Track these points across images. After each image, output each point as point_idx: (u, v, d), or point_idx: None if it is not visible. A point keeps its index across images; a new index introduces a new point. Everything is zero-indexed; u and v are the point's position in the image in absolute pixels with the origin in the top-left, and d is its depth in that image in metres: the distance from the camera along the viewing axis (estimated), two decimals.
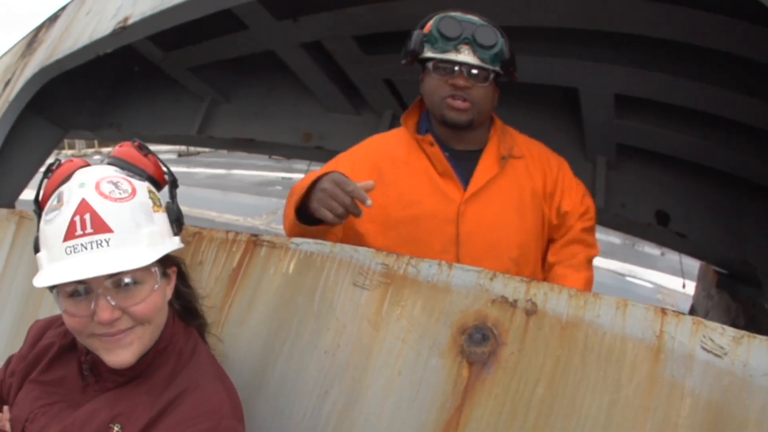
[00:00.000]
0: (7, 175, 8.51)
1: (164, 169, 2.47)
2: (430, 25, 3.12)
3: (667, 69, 4.81)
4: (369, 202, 2.68)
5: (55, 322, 2.56)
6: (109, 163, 2.32)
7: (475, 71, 3.06)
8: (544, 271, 3.38)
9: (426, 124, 3.36)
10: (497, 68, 3.09)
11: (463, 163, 3.23)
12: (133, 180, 2.17)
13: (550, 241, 3.39)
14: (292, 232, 3.06)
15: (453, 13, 3.09)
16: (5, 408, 2.41)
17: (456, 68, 3.06)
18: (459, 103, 3.08)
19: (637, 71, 4.92)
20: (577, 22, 4.75)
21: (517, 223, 3.21)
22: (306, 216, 2.93)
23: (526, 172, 3.29)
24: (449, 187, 3.18)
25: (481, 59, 3.03)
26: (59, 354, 2.41)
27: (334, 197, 2.71)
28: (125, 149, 2.41)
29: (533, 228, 3.26)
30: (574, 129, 6.08)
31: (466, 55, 3.02)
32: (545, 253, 3.42)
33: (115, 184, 2.07)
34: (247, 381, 2.81)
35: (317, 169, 3.26)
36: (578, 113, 5.76)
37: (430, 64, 3.15)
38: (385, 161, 3.27)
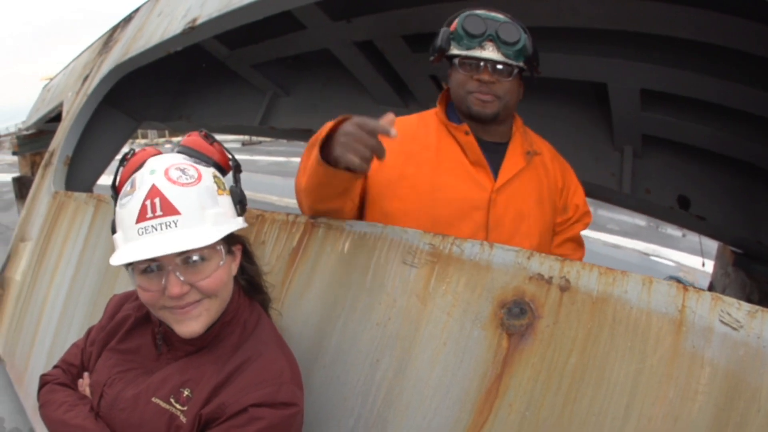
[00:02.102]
0: (85, 162, 8.59)
1: (228, 156, 2.51)
2: (456, 23, 3.10)
3: (688, 66, 4.80)
4: (394, 132, 2.44)
5: (131, 296, 2.62)
6: (178, 152, 2.38)
7: (499, 66, 3.02)
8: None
9: (453, 115, 3.32)
10: (521, 64, 3.05)
11: (490, 155, 3.19)
12: (199, 166, 2.22)
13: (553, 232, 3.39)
14: (310, 184, 2.86)
15: (478, 11, 3.05)
16: (85, 374, 2.49)
17: (481, 64, 3.03)
18: (484, 96, 3.05)
19: (661, 68, 4.90)
20: (604, 23, 4.74)
21: (538, 213, 3.20)
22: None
23: (544, 168, 3.29)
24: (481, 176, 3.15)
25: (505, 55, 2.99)
26: (135, 325, 2.47)
27: (359, 140, 2.48)
28: (193, 138, 2.47)
29: (549, 219, 3.26)
30: (603, 121, 6.06)
31: (490, 52, 2.99)
32: None
33: (183, 171, 2.13)
34: (305, 350, 2.86)
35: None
36: (607, 106, 5.76)
37: (456, 61, 3.12)
38: (413, 143, 3.21)
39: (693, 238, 9.62)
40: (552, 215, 3.28)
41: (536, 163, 3.27)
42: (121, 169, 2.37)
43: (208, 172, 2.23)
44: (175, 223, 2.00)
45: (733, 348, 1.96)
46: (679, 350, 2.04)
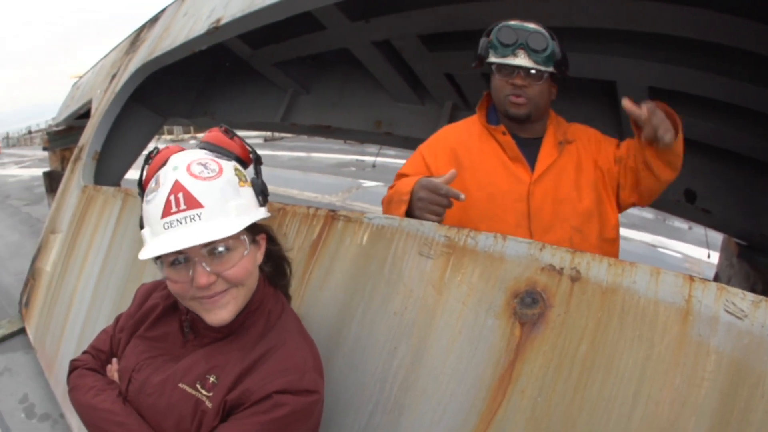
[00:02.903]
0: (114, 157, 8.64)
1: (248, 149, 2.52)
2: (492, 33, 3.25)
3: (694, 65, 4.80)
4: (462, 197, 2.79)
5: (159, 285, 2.64)
6: (200, 147, 2.39)
7: (532, 71, 3.18)
8: (610, 230, 3.39)
9: (494, 116, 3.48)
10: (550, 68, 3.21)
11: (528, 150, 3.33)
12: (220, 160, 2.22)
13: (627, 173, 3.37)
14: None
15: (511, 22, 3.22)
16: (114, 360, 2.51)
17: (514, 70, 3.21)
18: (517, 99, 3.22)
19: (668, 67, 4.91)
20: (614, 23, 4.76)
21: (576, 196, 3.27)
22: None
23: (578, 153, 3.37)
24: (519, 170, 3.29)
25: (535, 62, 3.16)
26: (163, 313, 2.48)
27: (434, 202, 2.88)
28: (214, 134, 2.49)
29: (592, 199, 3.31)
30: (613, 117, 6.05)
31: (522, 59, 3.16)
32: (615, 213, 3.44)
33: (204, 165, 2.13)
34: (325, 339, 2.88)
35: (401, 166, 3.49)
36: (616, 103, 5.75)
37: (493, 67, 3.29)
38: (460, 148, 3.39)
39: (699, 230, 9.63)
40: (595, 194, 3.33)
41: (571, 151, 3.38)
42: (146, 167, 2.38)
43: (229, 166, 2.23)
44: (199, 216, 2.01)
45: (738, 336, 1.96)
46: (686, 339, 2.04)
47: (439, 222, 2.86)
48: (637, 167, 3.25)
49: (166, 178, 2.08)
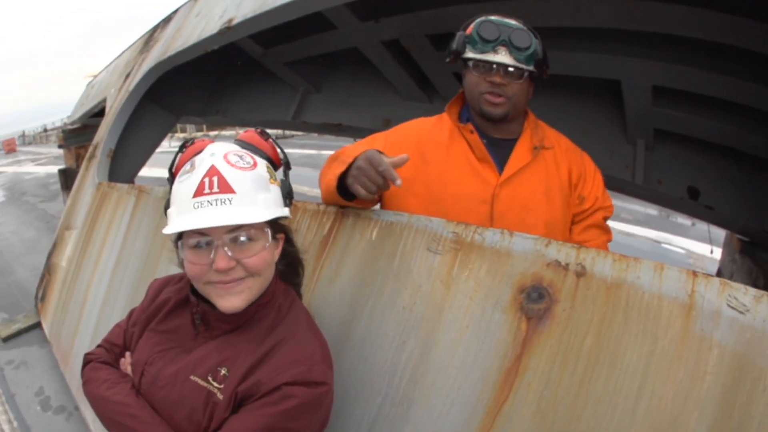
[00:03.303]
0: (127, 154, 8.68)
1: (280, 153, 2.56)
2: (471, 27, 3.13)
3: (697, 64, 4.80)
4: (398, 182, 2.67)
5: (171, 280, 2.66)
6: (235, 143, 2.41)
7: (510, 69, 3.06)
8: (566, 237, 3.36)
9: (467, 114, 3.37)
10: (531, 67, 3.08)
11: (499, 150, 3.23)
12: (255, 156, 2.27)
13: (573, 222, 3.38)
14: (327, 201, 3.19)
15: (492, 17, 3.10)
16: (127, 353, 2.53)
17: (493, 67, 3.07)
18: (495, 98, 3.10)
19: (671, 66, 4.91)
20: (618, 23, 4.75)
21: (545, 206, 3.19)
22: (342, 188, 2.99)
23: (555, 162, 3.28)
24: (486, 171, 3.18)
25: (516, 59, 3.03)
26: (175, 307, 2.50)
27: (367, 175, 2.73)
28: (250, 134, 2.55)
29: (559, 211, 3.24)
30: (617, 116, 6.06)
31: (502, 56, 3.03)
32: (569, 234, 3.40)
33: (240, 157, 2.18)
34: (335, 332, 2.90)
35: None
36: (621, 102, 5.75)
37: (470, 63, 3.16)
38: (428, 143, 3.28)
39: (702, 226, 9.60)
40: (563, 207, 3.26)
41: (546, 158, 3.28)
42: (179, 154, 2.42)
43: (263, 163, 2.28)
44: (230, 201, 2.05)
45: (740, 331, 1.97)
46: (689, 333, 2.05)
47: (370, 199, 2.84)
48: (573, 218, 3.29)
49: (203, 162, 2.13)
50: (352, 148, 3.07)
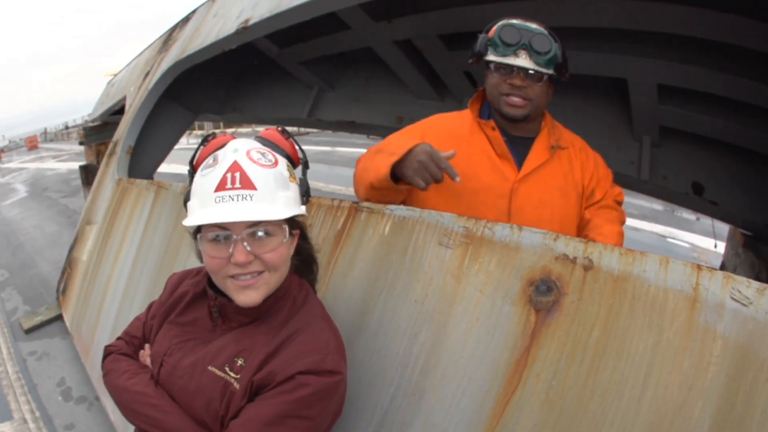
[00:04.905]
0: (147, 151, 8.72)
1: (299, 152, 2.56)
2: (493, 30, 3.16)
3: (702, 63, 4.79)
4: (458, 178, 2.75)
5: (189, 274, 2.68)
6: (255, 140, 2.42)
7: (531, 72, 3.08)
8: (579, 231, 3.38)
9: (488, 110, 3.39)
10: (550, 71, 3.10)
11: (518, 148, 3.27)
12: (276, 154, 2.29)
13: (585, 209, 3.38)
14: (375, 189, 3.13)
15: (513, 21, 3.12)
16: (146, 345, 2.56)
17: (514, 70, 3.10)
18: (516, 100, 3.13)
19: (677, 65, 4.90)
20: (625, 23, 4.75)
21: (560, 202, 3.24)
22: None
23: (569, 161, 3.32)
24: (505, 167, 3.22)
25: (537, 63, 3.05)
26: (193, 300, 2.52)
27: (429, 170, 2.79)
28: (271, 132, 2.54)
29: (573, 208, 3.28)
30: (624, 113, 6.04)
31: (523, 60, 3.05)
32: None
33: (263, 154, 2.20)
34: (349, 324, 2.91)
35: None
36: (627, 100, 5.75)
37: (492, 65, 3.19)
38: (449, 138, 3.28)
39: (706, 221, 9.59)
40: (577, 204, 3.30)
41: (561, 157, 3.31)
42: (201, 148, 2.42)
43: (283, 162, 2.30)
44: (251, 197, 2.07)
45: (743, 323, 1.97)
46: (694, 325, 2.05)
47: (426, 189, 2.86)
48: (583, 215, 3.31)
49: (226, 157, 2.15)
50: (396, 142, 3.11)
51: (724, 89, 4.92)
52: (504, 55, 3.08)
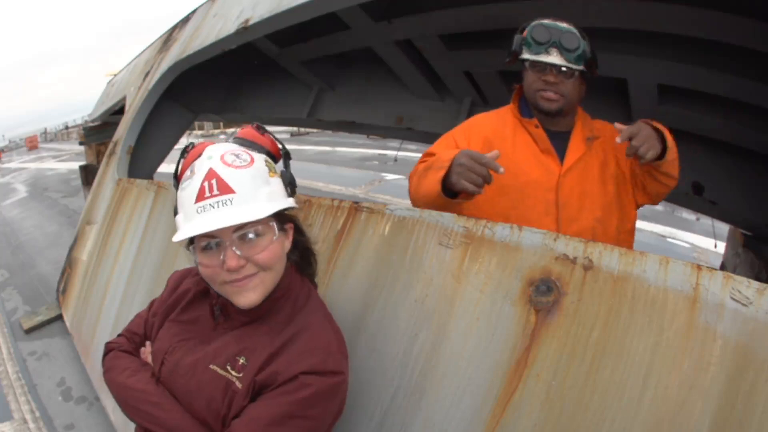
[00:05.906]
0: (147, 151, 8.73)
1: (278, 144, 2.57)
2: (527, 30, 3.30)
3: (702, 63, 4.82)
4: (501, 169, 2.77)
5: (191, 272, 2.69)
6: (234, 142, 2.44)
7: (563, 69, 3.22)
8: (628, 221, 3.46)
9: (525, 108, 3.50)
10: (581, 67, 3.24)
11: (555, 142, 3.37)
12: (252, 152, 2.29)
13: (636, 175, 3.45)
14: (429, 204, 3.11)
15: (544, 21, 3.27)
16: (147, 343, 2.57)
17: (547, 67, 3.24)
18: (550, 95, 3.27)
19: (676, 65, 4.93)
20: (625, 23, 4.76)
21: (599, 190, 3.32)
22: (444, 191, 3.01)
23: (603, 149, 3.42)
24: (549, 162, 3.33)
25: (567, 60, 3.19)
26: (194, 298, 2.53)
27: (472, 170, 2.80)
28: (247, 130, 2.56)
29: (612, 194, 3.36)
30: (624, 113, 6.06)
31: (554, 57, 3.20)
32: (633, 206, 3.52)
33: (237, 155, 2.20)
34: (349, 324, 2.89)
35: (427, 148, 3.49)
36: (627, 100, 5.78)
37: (527, 63, 3.34)
38: (495, 138, 3.40)
39: (706, 221, 9.61)
40: (615, 190, 3.38)
41: (596, 147, 3.42)
42: (182, 160, 2.43)
43: (260, 158, 2.30)
44: (231, 201, 2.07)
45: (743, 323, 1.97)
46: (694, 325, 2.05)
47: (477, 193, 2.83)
48: (643, 174, 3.30)
49: (201, 166, 2.14)
50: (441, 154, 3.15)
51: (724, 89, 4.95)
52: (536, 53, 3.25)
